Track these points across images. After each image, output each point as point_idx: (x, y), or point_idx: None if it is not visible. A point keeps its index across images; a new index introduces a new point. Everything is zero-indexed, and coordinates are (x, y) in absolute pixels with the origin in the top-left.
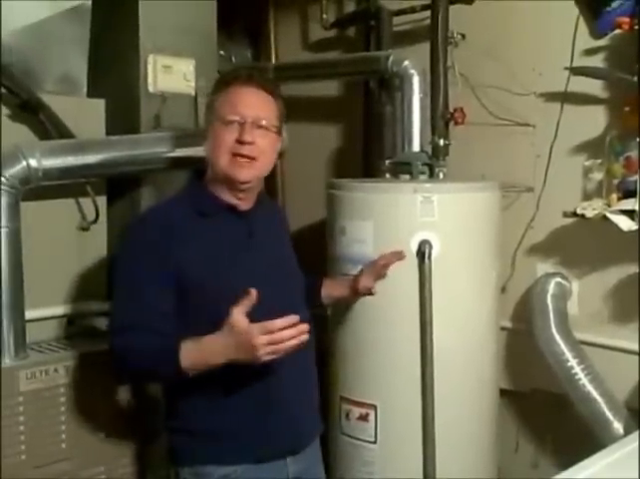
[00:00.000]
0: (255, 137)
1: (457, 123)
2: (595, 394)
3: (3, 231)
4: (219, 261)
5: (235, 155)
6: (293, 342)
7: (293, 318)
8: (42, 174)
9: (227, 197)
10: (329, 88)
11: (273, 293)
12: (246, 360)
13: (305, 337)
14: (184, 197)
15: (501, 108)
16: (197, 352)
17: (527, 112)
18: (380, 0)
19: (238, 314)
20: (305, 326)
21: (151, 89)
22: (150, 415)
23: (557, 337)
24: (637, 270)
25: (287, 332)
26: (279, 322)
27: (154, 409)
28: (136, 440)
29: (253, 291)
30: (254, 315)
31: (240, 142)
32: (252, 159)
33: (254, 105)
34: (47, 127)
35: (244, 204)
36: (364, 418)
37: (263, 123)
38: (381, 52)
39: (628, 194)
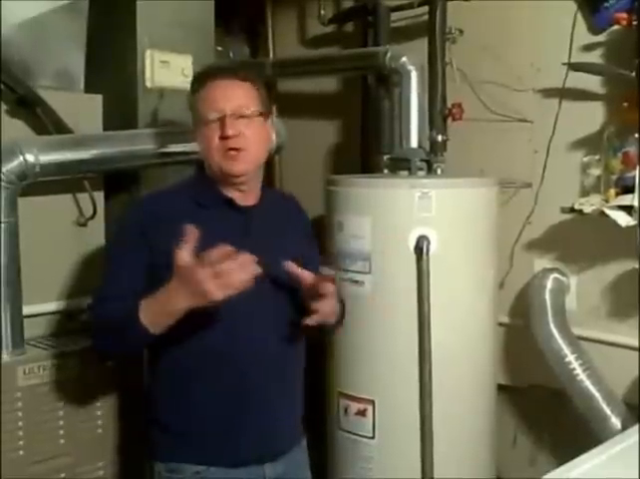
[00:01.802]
0: (239, 128)
1: (454, 119)
2: (593, 390)
3: (0, 226)
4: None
5: (224, 151)
6: (242, 276)
7: (227, 249)
8: (39, 169)
9: (227, 191)
10: (327, 84)
11: (261, 293)
12: (201, 302)
13: (255, 270)
14: (185, 186)
15: (499, 104)
16: (154, 303)
17: (525, 108)
18: None
19: (180, 252)
20: (249, 258)
21: (148, 84)
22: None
23: (555, 333)
24: (635, 266)
25: (229, 263)
26: (213, 253)
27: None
28: (134, 436)
29: (191, 228)
30: (237, 308)
31: (224, 137)
32: (242, 150)
33: (230, 96)
34: (44, 122)
35: (245, 199)
36: (362, 413)
37: (244, 112)
38: (379, 48)
39: (626, 189)
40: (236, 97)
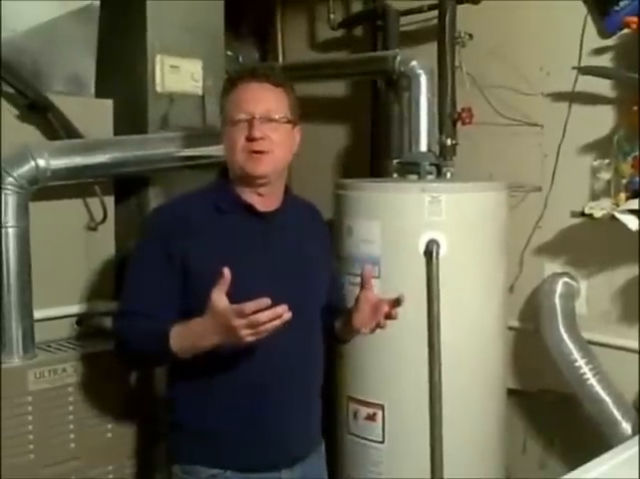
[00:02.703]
0: (266, 131)
1: (464, 123)
2: (603, 394)
3: (12, 230)
4: (226, 257)
5: (249, 152)
6: (274, 323)
7: (264, 301)
8: (50, 174)
9: (247, 196)
10: (336, 88)
11: (281, 299)
12: (233, 342)
13: (287, 316)
14: (205, 192)
15: (509, 108)
16: (185, 336)
17: (535, 112)
18: (387, 0)
19: (216, 296)
20: (283, 308)
21: (158, 89)
22: (158, 415)
23: (565, 337)
24: (638, 271)
25: (262, 316)
26: (249, 306)
27: (162, 409)
28: (144, 440)
29: (226, 271)
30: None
31: (250, 139)
32: (266, 152)
33: (260, 99)
34: (55, 127)
35: (265, 204)
36: (371, 418)
37: (272, 116)
38: (388, 52)
39: (636, 193)
40: (266, 101)
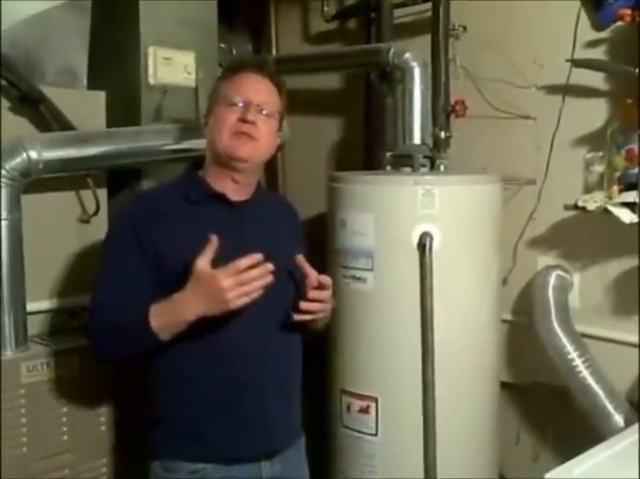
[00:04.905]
0: (258, 120)
1: (458, 115)
2: (596, 387)
3: (4, 223)
4: (197, 247)
5: (237, 133)
6: (260, 282)
7: (257, 256)
8: (42, 166)
9: (219, 185)
10: (330, 80)
11: None
12: (217, 309)
13: (270, 278)
14: (176, 183)
15: (503, 100)
16: (167, 310)
17: (529, 104)
18: None
19: (202, 262)
20: (269, 265)
21: (151, 81)
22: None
23: (558, 330)
24: (638, 263)
25: (254, 271)
26: (244, 261)
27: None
28: (137, 432)
29: (214, 237)
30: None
31: (243, 120)
32: (253, 138)
33: (260, 90)
34: (47, 119)
35: (237, 193)
36: (365, 411)
37: (266, 109)
38: (382, 44)
39: (629, 186)
40: (264, 93)
